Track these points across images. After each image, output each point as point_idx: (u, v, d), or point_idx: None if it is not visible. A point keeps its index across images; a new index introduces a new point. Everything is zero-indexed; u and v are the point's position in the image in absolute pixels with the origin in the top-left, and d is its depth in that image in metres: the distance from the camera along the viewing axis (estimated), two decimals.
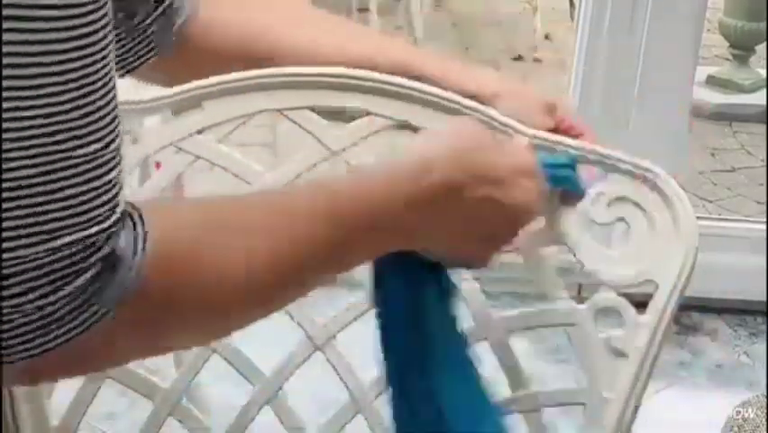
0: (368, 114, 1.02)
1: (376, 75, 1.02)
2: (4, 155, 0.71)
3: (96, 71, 0.74)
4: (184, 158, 1.03)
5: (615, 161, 1.00)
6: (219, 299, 0.83)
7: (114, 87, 0.76)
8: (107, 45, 0.75)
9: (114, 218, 0.76)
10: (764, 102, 3.96)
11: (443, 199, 0.89)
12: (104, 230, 0.76)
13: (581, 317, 1.00)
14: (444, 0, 5.19)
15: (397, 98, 1.01)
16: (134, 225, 0.79)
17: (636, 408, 0.98)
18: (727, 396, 2.22)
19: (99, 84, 0.74)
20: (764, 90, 4.07)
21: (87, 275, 0.75)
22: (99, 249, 0.76)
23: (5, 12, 0.69)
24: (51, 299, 0.74)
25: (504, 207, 0.91)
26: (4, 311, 0.73)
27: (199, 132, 1.03)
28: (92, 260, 0.75)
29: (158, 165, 1.05)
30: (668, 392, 2.37)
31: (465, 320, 1.03)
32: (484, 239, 0.92)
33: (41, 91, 0.71)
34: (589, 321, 1.00)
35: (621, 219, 0.99)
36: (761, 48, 4.10)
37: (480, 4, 5.21)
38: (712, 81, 4.10)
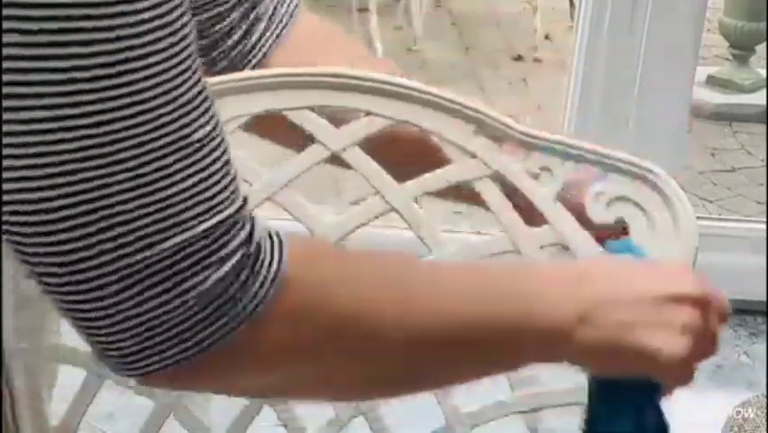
0: (368, 114, 1.02)
1: (376, 75, 1.02)
2: (137, 150, 0.68)
3: (190, 55, 0.71)
4: None
5: (615, 160, 1.00)
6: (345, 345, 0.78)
7: (199, 67, 0.73)
8: (190, 31, 0.72)
9: (237, 203, 0.73)
10: (764, 102, 3.96)
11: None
12: (230, 215, 0.72)
13: None
14: (444, 0, 5.19)
15: (397, 98, 1.01)
16: (271, 235, 0.75)
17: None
18: (727, 396, 2.22)
19: (193, 66, 0.72)
20: (764, 90, 4.07)
21: (227, 266, 0.71)
22: (230, 239, 0.72)
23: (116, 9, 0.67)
24: (199, 290, 0.71)
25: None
26: (152, 312, 0.70)
27: None
28: (229, 247, 0.71)
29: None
30: None
31: None
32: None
33: (151, 81, 0.68)
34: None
35: (621, 219, 0.99)
36: (761, 48, 4.10)
37: (480, 4, 5.21)
38: (712, 81, 4.10)
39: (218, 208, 0.71)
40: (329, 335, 0.77)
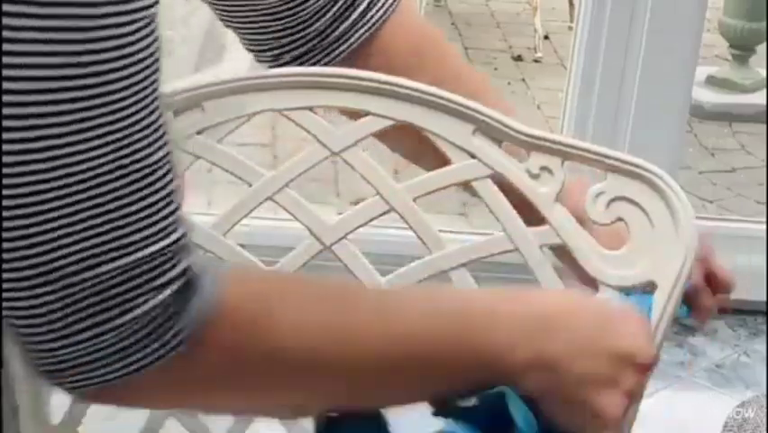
0: (368, 114, 1.02)
1: (376, 75, 1.02)
2: (82, 175, 0.68)
3: (151, 80, 0.71)
4: (184, 158, 1.03)
5: (615, 160, 1.00)
6: (284, 368, 0.78)
7: (159, 91, 0.73)
8: (153, 54, 0.71)
9: (179, 232, 0.73)
10: (764, 102, 3.96)
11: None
12: (171, 243, 0.72)
13: None
14: (444, 0, 5.19)
15: (397, 98, 1.01)
16: (206, 266, 0.75)
17: (636, 408, 0.98)
18: (727, 396, 2.22)
19: (154, 91, 0.71)
20: (764, 90, 4.07)
21: (168, 291, 0.71)
22: (175, 264, 0.72)
23: (63, 22, 0.66)
24: (134, 315, 0.71)
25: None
26: (89, 334, 0.70)
27: (199, 132, 1.03)
28: (168, 276, 0.72)
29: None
30: (668, 392, 2.37)
31: None
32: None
33: (110, 108, 0.68)
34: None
35: (621, 219, 0.99)
36: (761, 48, 4.10)
37: (480, 4, 5.21)
38: (712, 81, 4.10)
39: (163, 234, 0.71)
40: (265, 363, 0.77)
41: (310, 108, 1.02)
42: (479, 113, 1.01)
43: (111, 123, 0.68)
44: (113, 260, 0.69)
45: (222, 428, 1.11)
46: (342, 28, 1.04)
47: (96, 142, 0.68)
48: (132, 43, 0.69)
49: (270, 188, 1.03)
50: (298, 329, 0.78)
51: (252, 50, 1.06)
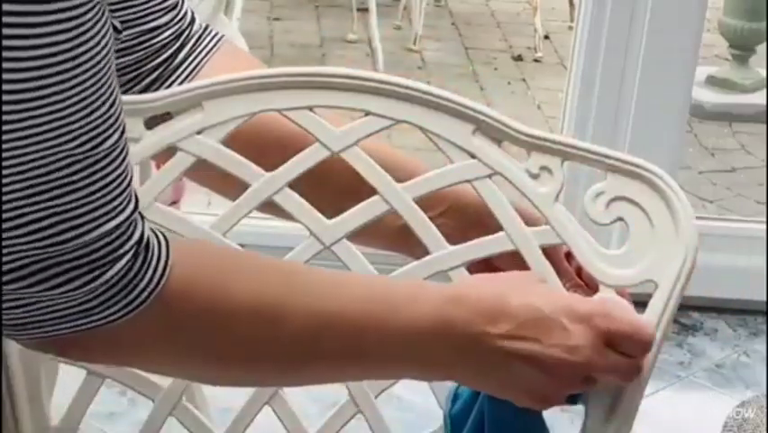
0: (368, 114, 1.02)
1: (376, 75, 1.02)
2: (50, 158, 0.75)
3: (103, 67, 0.77)
4: (184, 158, 1.03)
5: (615, 161, 1.00)
6: (231, 337, 0.85)
7: (115, 79, 0.79)
8: (109, 41, 0.77)
9: (133, 204, 0.80)
10: (764, 102, 3.96)
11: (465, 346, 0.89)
12: (128, 216, 0.79)
13: None
14: (444, 0, 5.19)
15: (396, 98, 1.01)
16: (157, 233, 0.83)
17: (636, 408, 0.98)
18: (727, 396, 2.22)
19: (110, 77, 0.77)
20: (764, 90, 4.07)
21: (124, 260, 0.79)
22: (129, 236, 0.80)
23: (6, 19, 0.71)
24: (94, 285, 0.78)
25: (541, 363, 0.89)
26: (49, 299, 0.78)
27: (199, 132, 1.03)
28: (125, 247, 0.79)
29: (158, 165, 1.05)
30: (668, 392, 2.37)
31: None
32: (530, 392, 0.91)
33: (68, 93, 0.74)
34: None
35: (621, 219, 0.99)
36: (761, 48, 4.10)
37: (480, 4, 5.21)
38: (712, 81, 4.10)
39: (117, 211, 0.79)
40: (215, 331, 0.85)
41: (310, 108, 1.02)
42: (479, 113, 1.01)
43: (68, 114, 0.75)
44: (71, 239, 0.77)
45: (222, 428, 1.11)
46: (178, 59, 1.09)
47: (53, 128, 0.75)
48: (79, 36, 0.74)
49: (270, 188, 1.03)
50: (250, 304, 0.85)
51: None
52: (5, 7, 0.71)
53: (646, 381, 0.97)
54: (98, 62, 0.76)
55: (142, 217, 0.82)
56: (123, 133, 0.80)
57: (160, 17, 1.07)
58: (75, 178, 0.76)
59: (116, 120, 0.78)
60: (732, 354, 2.56)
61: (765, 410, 1.85)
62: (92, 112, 0.76)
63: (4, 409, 1.03)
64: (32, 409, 1.07)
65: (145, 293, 0.81)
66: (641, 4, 2.49)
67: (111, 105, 0.78)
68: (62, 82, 0.74)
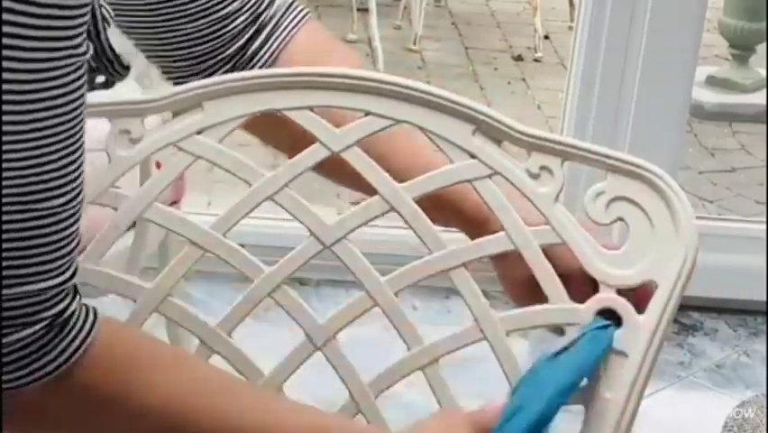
0: (368, 114, 1.02)
1: (376, 75, 1.02)
2: None
3: (70, 122, 0.73)
4: (184, 158, 1.03)
5: (615, 160, 1.00)
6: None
7: (82, 141, 0.75)
8: (80, 97, 0.74)
9: (69, 273, 0.76)
10: (764, 102, 3.96)
11: None
12: (58, 284, 0.75)
13: (581, 317, 1.00)
14: (444, 0, 5.19)
15: (396, 98, 1.01)
16: (88, 310, 0.79)
17: (636, 408, 0.98)
18: (727, 396, 2.22)
19: (73, 135, 0.74)
20: (764, 90, 4.07)
21: (36, 328, 0.75)
22: (52, 306, 0.75)
23: None
24: (9, 339, 0.74)
25: None
26: None
27: (199, 132, 1.03)
28: (43, 315, 0.75)
29: (158, 165, 1.05)
30: (668, 392, 2.37)
31: (465, 320, 1.03)
32: None
33: (22, 154, 0.71)
34: (589, 321, 1.00)
35: (621, 219, 0.99)
36: (761, 48, 4.10)
37: (480, 4, 5.21)
38: (712, 81, 4.10)
39: (47, 275, 0.74)
40: (123, 417, 0.81)
41: (310, 108, 1.02)
42: (479, 113, 1.01)
43: (21, 175, 0.71)
44: (5, 287, 0.73)
45: None
46: (253, 48, 1.07)
47: (7, 185, 0.71)
48: (68, 83, 0.72)
49: (270, 188, 1.03)
50: (166, 400, 0.82)
51: (172, 77, 1.09)
52: None
53: (647, 381, 0.97)
54: (61, 121, 0.72)
55: (76, 291, 0.78)
56: (76, 197, 0.75)
57: (230, 3, 1.05)
58: (15, 227, 0.72)
59: (71, 182, 0.74)
60: (732, 354, 2.56)
61: (765, 410, 1.85)
62: (43, 164, 0.72)
63: (5, 408, 1.02)
64: None
65: (52, 365, 0.76)
66: (641, 4, 2.49)
67: (67, 165, 0.74)
68: (17, 123, 0.70)
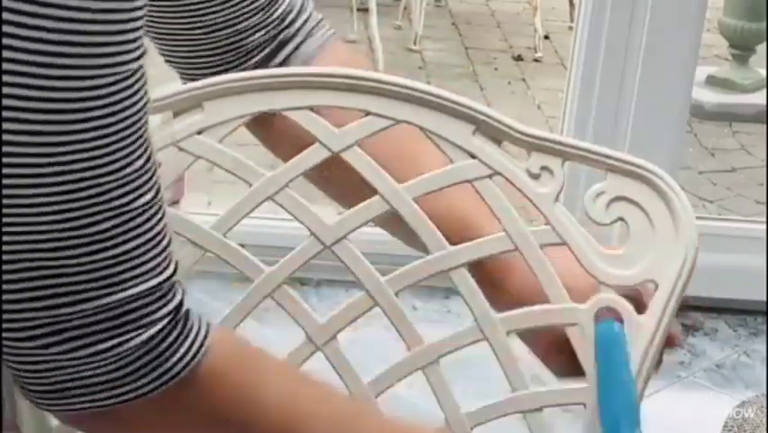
0: (368, 114, 1.02)
1: (376, 75, 1.02)
2: (79, 212, 0.70)
3: (142, 122, 0.73)
4: (184, 158, 1.03)
5: (615, 160, 1.00)
6: None
7: (149, 136, 0.75)
8: (145, 96, 0.73)
9: (171, 268, 0.76)
10: (764, 102, 3.96)
11: None
12: (166, 279, 0.75)
13: (581, 316, 1.00)
14: (444, 0, 5.19)
15: (396, 98, 1.01)
16: (199, 314, 0.78)
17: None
18: (727, 396, 2.22)
19: (144, 133, 0.74)
20: (764, 90, 4.07)
21: (160, 325, 0.74)
22: (168, 301, 0.75)
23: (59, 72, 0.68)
24: (120, 350, 0.73)
25: None
26: (74, 363, 0.73)
27: (199, 132, 1.03)
28: (164, 311, 0.74)
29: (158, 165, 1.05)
30: (668, 392, 2.37)
31: (465, 320, 1.03)
32: None
33: (101, 151, 0.70)
34: (589, 321, 1.00)
35: (621, 219, 0.99)
36: (761, 48, 4.10)
37: (480, 4, 5.21)
38: (712, 81, 4.10)
39: (153, 273, 0.74)
40: (237, 425, 0.79)
41: (310, 108, 1.02)
42: (479, 113, 1.01)
43: (101, 171, 0.71)
44: (102, 296, 0.72)
45: None
46: (271, 66, 1.06)
47: (88, 192, 0.71)
48: (117, 92, 0.71)
49: (270, 188, 1.03)
50: (280, 409, 0.80)
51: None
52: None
53: (647, 382, 0.97)
54: (136, 120, 0.72)
55: (182, 287, 0.77)
56: (158, 192, 0.75)
57: (248, 17, 1.04)
58: (108, 234, 0.72)
59: (151, 177, 0.74)
60: (732, 354, 2.56)
61: (765, 410, 1.85)
62: (126, 166, 0.72)
63: (5, 409, 1.03)
64: (32, 409, 1.07)
65: (179, 366, 0.75)
66: (641, 4, 2.49)
67: (146, 161, 0.74)
68: (101, 128, 0.70)
